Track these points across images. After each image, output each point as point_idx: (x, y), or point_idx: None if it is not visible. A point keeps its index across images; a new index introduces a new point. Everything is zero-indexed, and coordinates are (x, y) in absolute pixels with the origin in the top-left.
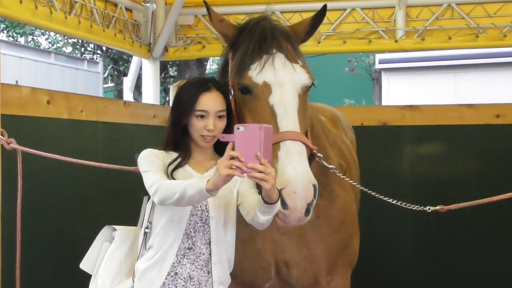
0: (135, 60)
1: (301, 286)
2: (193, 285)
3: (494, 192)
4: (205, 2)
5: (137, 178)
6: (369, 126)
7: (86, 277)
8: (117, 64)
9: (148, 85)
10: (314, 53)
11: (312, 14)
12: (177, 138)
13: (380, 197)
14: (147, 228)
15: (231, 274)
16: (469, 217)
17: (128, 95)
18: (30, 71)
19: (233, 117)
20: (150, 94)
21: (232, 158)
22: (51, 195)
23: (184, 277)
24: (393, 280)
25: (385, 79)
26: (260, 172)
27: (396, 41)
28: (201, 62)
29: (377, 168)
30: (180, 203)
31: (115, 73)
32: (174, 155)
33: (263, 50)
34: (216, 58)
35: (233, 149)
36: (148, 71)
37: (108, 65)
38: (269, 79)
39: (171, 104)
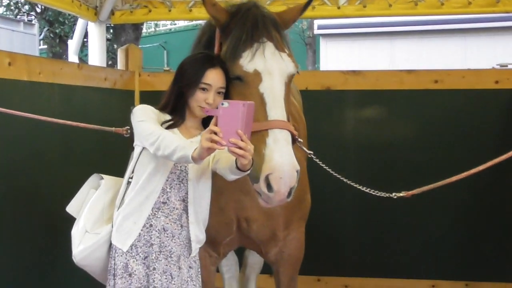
0: (80, 23)
1: (260, 239)
2: (167, 236)
3: (430, 154)
4: None
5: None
6: (314, 91)
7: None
8: (53, 26)
9: (94, 48)
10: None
11: None
12: (176, 105)
13: (345, 180)
14: (130, 178)
15: None
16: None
17: (73, 58)
18: None
19: (228, 94)
20: (96, 57)
21: (214, 132)
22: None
23: (158, 229)
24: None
25: (323, 44)
26: (240, 148)
27: (338, 7)
28: (136, 26)
29: (321, 131)
30: (168, 158)
31: (51, 35)
32: (167, 117)
33: (254, 39)
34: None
35: (216, 124)
36: (95, 34)
37: (44, 27)
38: (260, 67)
39: (118, 67)
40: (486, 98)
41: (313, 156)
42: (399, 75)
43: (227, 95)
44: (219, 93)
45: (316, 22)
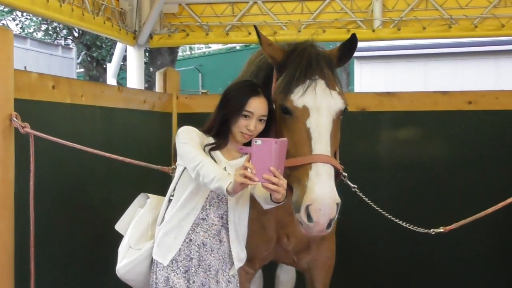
0: (119, 47)
1: (296, 251)
2: (206, 251)
3: (464, 175)
4: (255, 27)
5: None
6: (349, 112)
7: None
8: (90, 50)
9: (132, 71)
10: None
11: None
12: (220, 129)
13: (386, 214)
14: (172, 196)
15: None
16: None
17: (111, 81)
18: None
19: (272, 122)
20: (134, 80)
21: (248, 168)
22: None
23: (197, 244)
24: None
25: (358, 67)
26: (273, 184)
27: (373, 30)
28: (172, 49)
29: (356, 151)
30: (205, 186)
31: (88, 59)
32: (211, 139)
33: (307, 76)
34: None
35: (249, 160)
36: (133, 58)
37: (81, 51)
38: (309, 103)
39: (157, 89)
40: None
41: (357, 190)
42: (433, 97)
43: (278, 129)
44: (260, 120)
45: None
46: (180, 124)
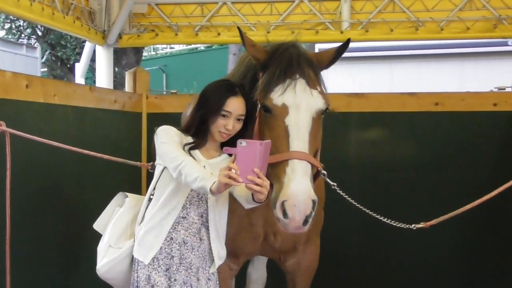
0: (87, 47)
1: (282, 250)
2: (187, 249)
3: (431, 174)
4: (238, 28)
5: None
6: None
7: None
8: (55, 49)
9: (101, 71)
10: (263, 42)
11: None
12: (199, 129)
13: (367, 211)
14: (152, 195)
15: None
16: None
17: (80, 81)
18: None
19: (248, 121)
20: (103, 79)
21: (232, 169)
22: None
23: (178, 242)
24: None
25: None
26: (257, 185)
27: (341, 32)
28: (138, 49)
29: (325, 152)
30: (187, 185)
31: (53, 58)
32: (189, 138)
33: (288, 75)
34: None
35: (234, 161)
36: (102, 58)
37: (46, 51)
38: (288, 101)
39: (126, 89)
40: (485, 120)
41: (336, 188)
42: (401, 98)
43: (260, 128)
44: (238, 120)
45: (317, 46)
46: (149, 124)
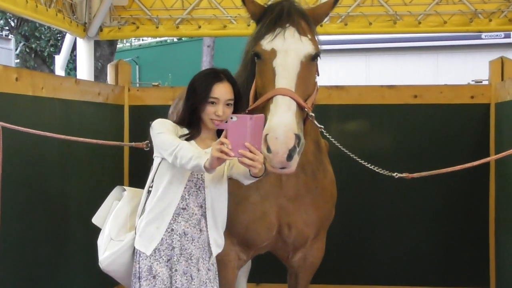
0: (68, 39)
1: (295, 245)
2: (187, 240)
3: (409, 165)
4: None
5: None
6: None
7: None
8: (29, 41)
9: (82, 64)
10: (244, 35)
11: None
12: (191, 119)
13: (352, 155)
14: (150, 187)
15: (233, 234)
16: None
17: (59, 73)
18: None
19: (239, 105)
20: (84, 72)
21: (224, 144)
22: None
23: (179, 233)
24: None
25: None
26: (249, 159)
27: (321, 25)
28: (112, 41)
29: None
30: (184, 167)
31: (27, 50)
32: (184, 130)
33: (278, 24)
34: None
35: (226, 136)
36: (83, 50)
37: (20, 42)
38: (277, 46)
39: (108, 82)
40: (462, 112)
41: (323, 130)
42: (380, 90)
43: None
44: (228, 104)
45: None
46: (132, 117)
